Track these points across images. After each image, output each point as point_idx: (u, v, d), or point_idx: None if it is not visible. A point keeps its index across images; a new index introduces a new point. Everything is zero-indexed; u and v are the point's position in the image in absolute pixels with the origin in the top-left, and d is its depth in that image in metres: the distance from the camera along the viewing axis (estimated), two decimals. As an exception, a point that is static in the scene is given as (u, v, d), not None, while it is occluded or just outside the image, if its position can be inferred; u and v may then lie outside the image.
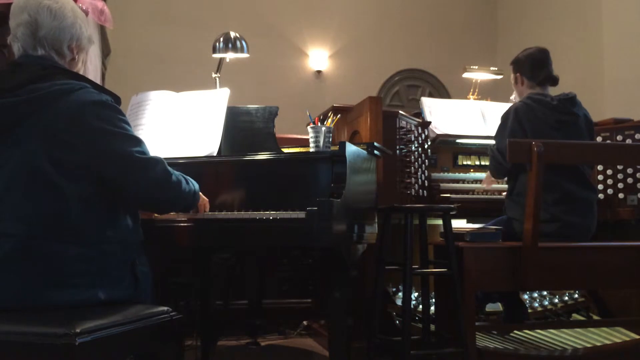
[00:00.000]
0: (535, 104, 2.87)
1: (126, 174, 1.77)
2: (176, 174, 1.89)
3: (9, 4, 2.56)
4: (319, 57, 7.72)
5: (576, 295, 3.40)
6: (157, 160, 1.83)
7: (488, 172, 3.24)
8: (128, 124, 1.82)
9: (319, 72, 7.74)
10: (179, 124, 2.54)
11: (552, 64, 3.00)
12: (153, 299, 1.90)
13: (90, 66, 1.96)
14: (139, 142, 1.82)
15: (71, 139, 1.69)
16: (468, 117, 3.62)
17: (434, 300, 2.86)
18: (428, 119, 3.47)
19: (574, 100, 2.93)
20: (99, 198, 1.75)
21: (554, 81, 2.98)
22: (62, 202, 1.68)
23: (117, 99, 1.86)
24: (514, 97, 3.85)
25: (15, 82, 1.73)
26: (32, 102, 1.70)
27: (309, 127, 2.36)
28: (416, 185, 3.16)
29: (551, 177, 2.76)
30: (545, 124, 2.84)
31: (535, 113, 2.85)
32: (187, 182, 1.94)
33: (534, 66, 2.98)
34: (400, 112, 3.17)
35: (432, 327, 2.78)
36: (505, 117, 2.93)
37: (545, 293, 3.37)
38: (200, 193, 2.07)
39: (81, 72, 1.91)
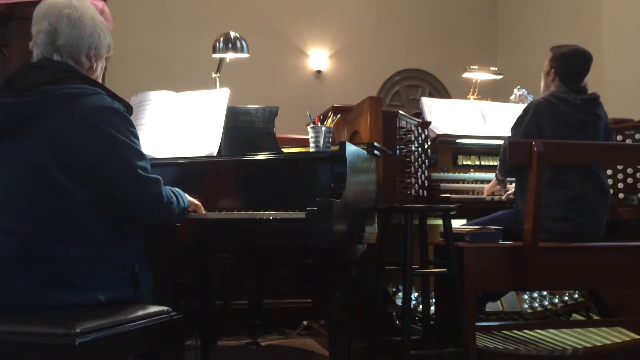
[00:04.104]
0: (559, 102, 2.82)
1: (124, 184, 1.77)
2: (168, 194, 1.88)
3: (10, 4, 2.57)
4: (319, 57, 7.72)
5: (576, 295, 3.40)
6: (154, 181, 1.83)
7: (492, 181, 3.20)
8: (136, 137, 1.83)
9: (319, 72, 7.74)
10: (179, 124, 2.54)
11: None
12: (153, 300, 1.90)
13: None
14: (142, 157, 1.82)
15: (78, 141, 1.70)
16: (468, 117, 3.61)
17: (434, 300, 2.86)
18: (428, 119, 3.47)
19: (597, 101, 2.90)
20: (103, 202, 1.75)
21: (583, 91, 2.92)
22: (66, 204, 1.68)
23: (129, 108, 1.87)
24: (513, 97, 3.86)
25: (29, 82, 1.74)
26: (43, 102, 1.71)
27: (309, 127, 2.36)
28: (416, 185, 3.16)
29: (566, 176, 2.76)
30: (567, 122, 2.80)
31: (557, 111, 2.81)
32: (178, 201, 1.94)
33: (574, 75, 2.92)
34: (400, 112, 3.17)
35: (432, 327, 2.78)
36: (525, 112, 2.89)
37: (545, 293, 3.37)
38: (193, 199, 2.09)
39: (99, 79, 1.92)
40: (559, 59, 2.94)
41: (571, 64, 2.93)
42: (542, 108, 2.83)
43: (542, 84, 3.03)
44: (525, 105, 3.01)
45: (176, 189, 1.97)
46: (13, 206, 1.68)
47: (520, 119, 2.90)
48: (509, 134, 2.98)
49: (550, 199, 2.72)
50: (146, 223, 1.94)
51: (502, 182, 3.15)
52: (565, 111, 2.81)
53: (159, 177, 1.86)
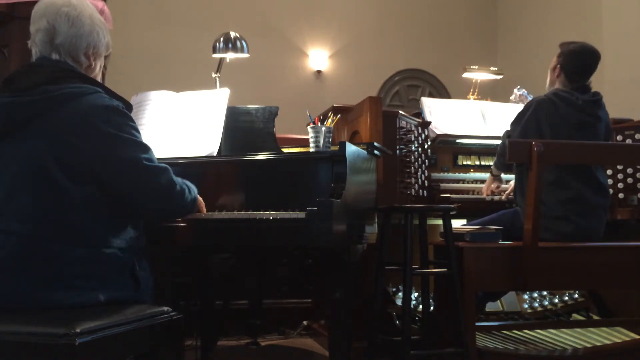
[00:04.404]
0: (560, 102, 2.81)
1: (132, 181, 1.77)
2: (179, 182, 1.89)
3: (10, 4, 2.57)
4: (319, 57, 7.73)
5: (576, 295, 3.40)
6: (163, 169, 1.83)
7: (488, 178, 3.21)
8: (137, 130, 1.82)
9: (319, 72, 7.75)
10: (179, 124, 2.54)
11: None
12: (153, 300, 1.90)
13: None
14: (147, 149, 1.82)
15: (78, 141, 1.70)
16: (468, 117, 3.62)
17: (434, 300, 2.86)
18: (428, 119, 3.47)
19: (599, 103, 2.89)
20: (103, 202, 1.75)
21: (587, 90, 2.90)
22: (66, 204, 1.68)
23: (129, 106, 1.87)
24: (513, 97, 3.86)
25: (29, 82, 1.74)
26: (43, 102, 1.71)
27: (309, 127, 2.36)
28: (416, 185, 3.16)
29: (562, 176, 2.75)
30: (567, 123, 2.79)
31: (558, 110, 2.79)
32: (189, 191, 1.94)
33: (580, 73, 2.89)
34: (400, 112, 3.17)
35: (432, 327, 2.78)
36: (526, 108, 2.88)
37: (545, 293, 3.37)
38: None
39: (98, 78, 1.92)
40: (567, 55, 2.91)
41: (578, 61, 2.90)
42: (544, 106, 2.82)
43: (548, 79, 3.02)
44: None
45: (185, 181, 1.96)
46: (13, 206, 1.68)
47: (520, 115, 2.90)
48: (509, 128, 2.98)
49: (548, 199, 2.72)
50: (159, 215, 1.93)
51: (497, 178, 3.16)
52: (567, 111, 2.80)
53: (167, 165, 1.86)
